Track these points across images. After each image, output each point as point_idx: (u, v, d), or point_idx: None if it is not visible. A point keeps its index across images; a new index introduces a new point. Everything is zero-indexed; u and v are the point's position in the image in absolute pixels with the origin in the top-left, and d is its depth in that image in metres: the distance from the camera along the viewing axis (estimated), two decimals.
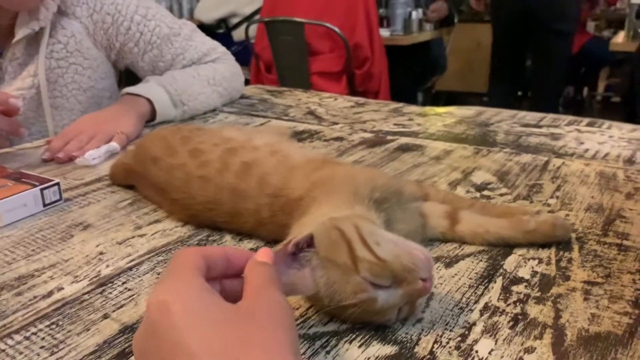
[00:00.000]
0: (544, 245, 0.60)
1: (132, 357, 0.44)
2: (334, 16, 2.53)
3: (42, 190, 0.71)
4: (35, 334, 0.47)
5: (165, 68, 1.17)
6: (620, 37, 2.96)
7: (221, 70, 1.21)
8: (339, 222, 0.47)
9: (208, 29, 3.79)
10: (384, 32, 3.19)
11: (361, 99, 1.32)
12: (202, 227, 0.66)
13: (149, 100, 1.06)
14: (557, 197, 0.73)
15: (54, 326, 0.48)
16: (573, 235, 0.62)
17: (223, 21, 4.09)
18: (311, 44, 2.60)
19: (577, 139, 0.97)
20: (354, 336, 0.46)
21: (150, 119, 1.07)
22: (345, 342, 0.45)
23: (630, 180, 0.78)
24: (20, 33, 1.01)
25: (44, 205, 0.71)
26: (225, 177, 0.63)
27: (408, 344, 0.45)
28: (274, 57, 2.72)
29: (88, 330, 0.48)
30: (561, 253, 0.59)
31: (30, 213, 0.70)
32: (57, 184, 0.73)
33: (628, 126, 1.04)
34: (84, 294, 0.53)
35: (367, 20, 2.64)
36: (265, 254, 0.41)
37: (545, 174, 0.81)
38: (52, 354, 0.45)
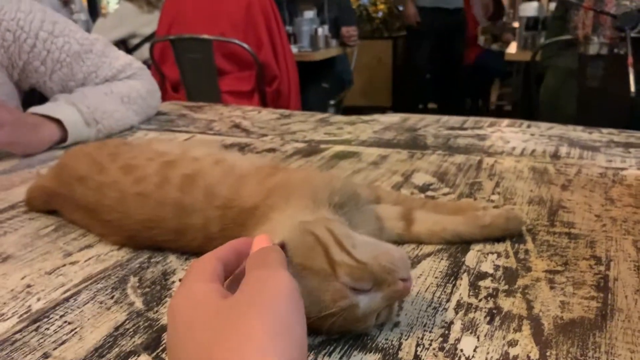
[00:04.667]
0: (498, 239, 0.60)
1: None
2: (236, 37, 2.50)
3: None
4: None
5: (76, 87, 1.09)
6: (513, 48, 3.16)
7: (137, 88, 1.14)
8: (311, 226, 0.44)
9: None
10: (292, 49, 3.20)
11: (286, 111, 1.29)
12: (141, 248, 0.60)
13: (58, 121, 0.97)
14: (499, 193, 0.74)
15: None
16: (523, 228, 0.63)
17: (122, 42, 3.93)
18: (217, 64, 2.55)
19: (502, 138, 1.00)
20: (331, 348, 0.43)
21: (61, 140, 0.99)
22: (325, 355, 0.42)
23: (561, 173, 0.81)
24: None
25: None
26: (167, 191, 0.58)
27: (391, 350, 0.43)
28: (182, 76, 2.65)
29: None
30: (517, 245, 0.59)
31: None
32: None
33: (544, 125, 1.09)
34: (14, 333, 0.46)
35: (270, 39, 2.63)
36: (260, 241, 0.40)
37: (482, 172, 0.82)
38: None
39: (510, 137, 1.01)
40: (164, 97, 2.65)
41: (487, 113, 5.22)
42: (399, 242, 0.60)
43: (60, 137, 0.98)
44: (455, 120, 1.15)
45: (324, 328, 0.42)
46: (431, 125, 1.12)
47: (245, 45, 2.47)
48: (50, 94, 1.09)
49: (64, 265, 0.57)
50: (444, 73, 4.52)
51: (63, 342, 0.44)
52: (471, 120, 1.15)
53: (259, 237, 0.40)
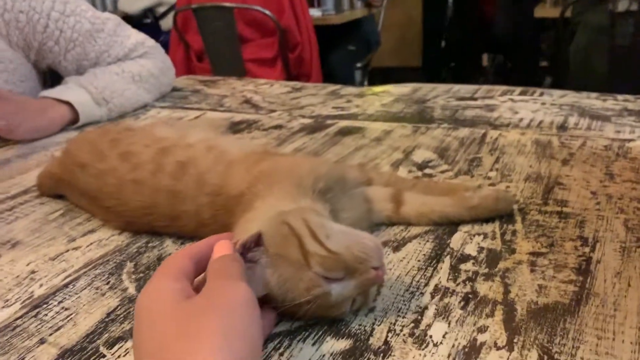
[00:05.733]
0: (488, 219, 0.61)
1: None
2: (257, 3, 2.48)
3: None
4: None
5: (89, 66, 1.11)
6: (543, 4, 3.05)
7: (148, 67, 1.16)
8: (287, 216, 0.45)
9: (134, 20, 3.66)
10: (316, 12, 3.16)
11: (298, 84, 1.30)
12: (140, 233, 0.63)
13: (68, 103, 1.00)
14: (497, 170, 0.73)
15: None
16: (515, 206, 0.63)
17: (149, 11, 3.95)
18: (240, 31, 2.55)
19: (511, 108, 0.99)
20: (307, 334, 0.45)
21: (74, 121, 1.02)
22: (299, 341, 0.44)
23: (564, 146, 0.79)
24: None
25: None
26: (160, 179, 0.60)
27: (362, 336, 0.44)
28: (205, 45, 2.66)
29: (23, 359, 0.44)
30: (505, 226, 0.59)
31: None
32: None
33: (558, 92, 1.07)
34: (16, 319, 0.49)
35: (291, 4, 2.61)
36: (222, 247, 0.42)
37: (484, 147, 0.81)
38: None
39: (519, 107, 0.99)
40: (189, 67, 2.69)
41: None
42: (388, 224, 0.61)
43: (72, 118, 1.02)
44: (466, 89, 1.14)
45: (299, 314, 0.44)
46: (441, 95, 1.11)
47: (267, 12, 2.46)
48: (65, 74, 1.12)
49: (67, 250, 0.61)
50: (461, 32, 4.40)
51: (58, 328, 0.48)
52: (483, 89, 1.13)
53: (220, 244, 0.42)
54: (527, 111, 0.96)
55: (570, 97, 1.03)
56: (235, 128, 0.97)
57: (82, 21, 1.08)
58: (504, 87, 1.13)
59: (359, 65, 3.79)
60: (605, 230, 0.57)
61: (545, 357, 0.40)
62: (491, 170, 0.73)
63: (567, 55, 2.50)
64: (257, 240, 0.44)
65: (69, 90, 1.02)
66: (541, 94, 1.06)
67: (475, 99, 1.06)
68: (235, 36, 2.55)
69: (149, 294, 0.37)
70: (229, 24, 2.53)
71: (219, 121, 0.99)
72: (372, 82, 3.88)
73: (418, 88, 1.18)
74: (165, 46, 2.50)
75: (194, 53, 2.73)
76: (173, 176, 0.59)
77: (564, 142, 0.81)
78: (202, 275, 0.41)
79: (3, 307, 0.51)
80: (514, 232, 0.58)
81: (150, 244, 0.61)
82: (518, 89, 1.10)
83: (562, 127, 0.87)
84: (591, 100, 1.01)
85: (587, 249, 0.54)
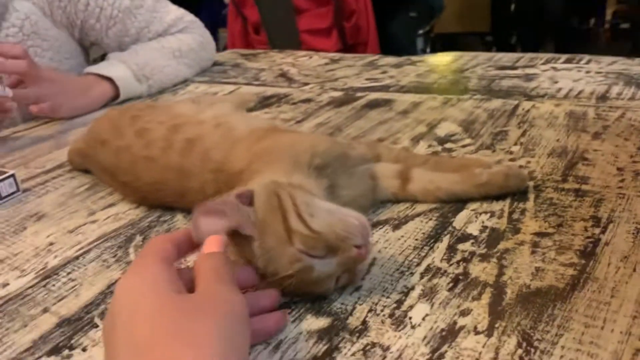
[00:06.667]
0: (500, 197, 0.58)
1: (67, 351, 0.44)
2: None
3: None
4: None
5: (131, 43, 1.14)
6: None
7: (188, 41, 1.18)
8: (279, 187, 0.46)
9: None
10: None
11: (336, 55, 1.28)
12: (154, 207, 0.65)
13: (110, 79, 1.04)
14: (521, 144, 0.70)
15: None
16: (531, 183, 0.60)
17: None
18: (295, 2, 2.53)
19: (551, 78, 0.93)
20: (288, 311, 0.45)
21: (115, 96, 1.06)
22: None
23: (600, 118, 0.75)
24: None
25: (0, 198, 0.71)
26: (170, 155, 0.61)
27: (342, 315, 0.44)
28: (261, 17, 2.66)
29: (26, 326, 0.47)
30: (515, 204, 0.57)
31: None
32: (12, 175, 0.72)
33: (607, 59, 1.00)
34: (27, 289, 0.53)
35: None
36: (213, 243, 0.41)
37: (513, 119, 0.78)
38: None
39: (560, 75, 0.94)
40: (247, 40, 2.72)
41: (598, 33, 4.77)
42: (393, 201, 0.60)
43: (114, 94, 1.05)
44: (508, 57, 1.08)
45: (283, 287, 0.44)
46: (481, 64, 1.06)
47: None
48: (108, 50, 1.16)
49: (85, 224, 0.64)
50: None
51: (62, 299, 0.50)
52: (526, 57, 1.07)
53: (211, 238, 0.41)
54: (567, 80, 0.91)
55: (620, 64, 0.96)
56: (266, 102, 0.98)
57: None
58: (548, 55, 1.06)
59: (420, 32, 3.68)
60: (623, 210, 0.53)
61: (524, 344, 0.39)
62: (515, 144, 0.70)
63: None
64: (250, 199, 0.45)
65: (111, 67, 1.05)
66: (588, 62, 1.00)
67: (515, 68, 1.01)
68: (290, 7, 2.54)
69: (135, 277, 0.37)
70: None
71: (249, 96, 0.99)
72: (435, 49, 3.78)
73: (459, 56, 1.14)
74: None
75: (251, 26, 2.75)
76: (181, 153, 0.61)
77: (600, 114, 0.76)
78: (182, 270, 0.41)
79: (19, 276, 0.55)
80: (523, 211, 0.55)
81: (161, 218, 0.63)
82: (564, 57, 1.04)
83: (603, 97, 0.82)
84: None
85: (597, 230, 0.51)
